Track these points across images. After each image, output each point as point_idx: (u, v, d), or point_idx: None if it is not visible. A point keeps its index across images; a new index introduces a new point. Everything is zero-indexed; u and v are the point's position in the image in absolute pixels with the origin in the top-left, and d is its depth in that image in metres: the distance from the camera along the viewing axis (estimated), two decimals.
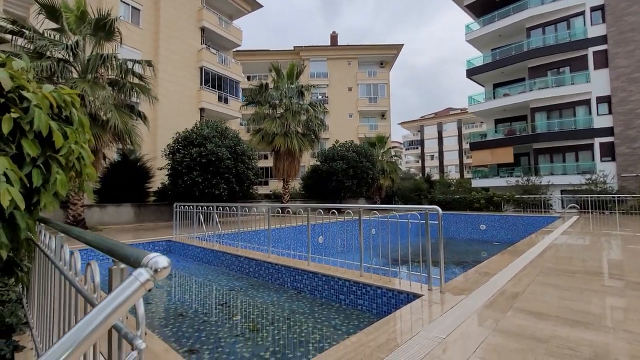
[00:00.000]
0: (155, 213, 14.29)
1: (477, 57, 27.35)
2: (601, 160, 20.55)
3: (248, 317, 4.55)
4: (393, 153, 27.77)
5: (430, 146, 59.95)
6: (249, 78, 34.84)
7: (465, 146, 49.22)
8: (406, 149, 65.62)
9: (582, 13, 21.84)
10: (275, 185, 26.22)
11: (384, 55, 34.78)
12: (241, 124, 30.89)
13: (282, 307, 4.69)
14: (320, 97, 33.68)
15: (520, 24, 23.89)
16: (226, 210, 7.80)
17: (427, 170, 54.66)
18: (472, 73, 26.62)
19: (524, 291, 3.73)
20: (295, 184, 24.44)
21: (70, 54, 9.93)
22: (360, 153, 19.10)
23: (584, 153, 21.46)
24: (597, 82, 20.96)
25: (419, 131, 62.16)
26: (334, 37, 37.29)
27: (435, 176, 40.91)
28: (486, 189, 21.80)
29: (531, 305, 3.26)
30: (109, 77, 10.97)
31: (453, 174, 53.20)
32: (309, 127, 17.74)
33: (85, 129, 2.20)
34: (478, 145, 26.19)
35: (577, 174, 20.46)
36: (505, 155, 23.82)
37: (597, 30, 21.21)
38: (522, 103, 23.36)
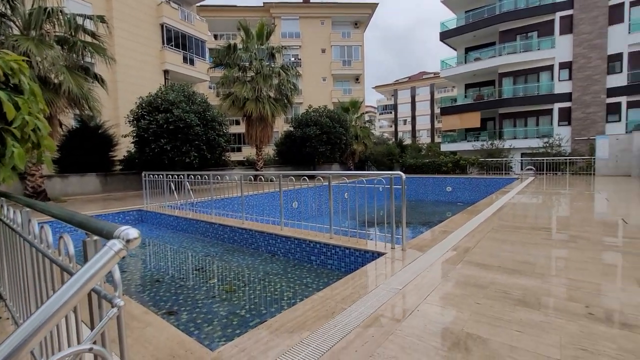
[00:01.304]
0: (123, 182, 13.82)
1: (451, 19, 27.09)
2: (558, 125, 21.87)
3: (224, 280, 4.77)
4: (367, 118, 27.90)
5: (404, 111, 60.49)
6: (215, 37, 32.61)
7: (437, 111, 50.14)
8: (380, 114, 65.86)
9: None
10: (248, 151, 25.78)
11: (359, 15, 33.51)
12: (210, 88, 29.40)
13: (256, 270, 4.94)
14: (292, 59, 32.42)
15: None
16: (198, 178, 7.74)
17: (400, 134, 55.62)
18: (446, 36, 26.51)
19: (475, 246, 4.17)
20: (269, 150, 24.20)
21: (8, 6, 8.81)
22: (333, 119, 19.03)
23: (544, 118, 22.67)
24: (561, 48, 21.67)
25: (392, 95, 62.17)
26: None
27: (408, 141, 41.86)
28: (454, 153, 22.75)
29: (479, 258, 3.69)
30: (57, 34, 9.93)
31: (424, 138, 54.58)
32: (282, 92, 17.27)
33: (38, 99, 2.12)
34: (448, 110, 26.84)
35: (537, 137, 21.75)
36: (473, 120, 24.68)
37: None
38: (492, 68, 23.84)
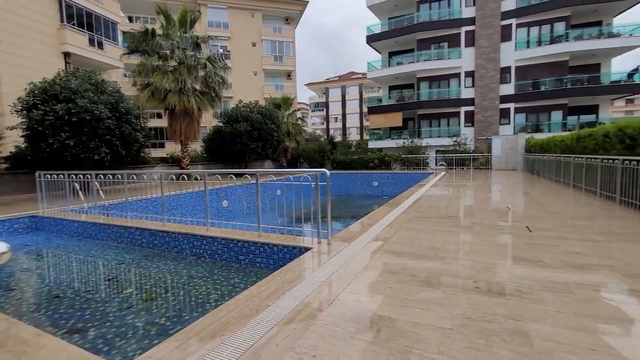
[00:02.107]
0: (10, 184, 11.60)
1: (376, 24, 28.82)
2: (465, 126, 25.04)
3: (141, 288, 4.38)
4: (299, 115, 28.12)
5: (335, 108, 62.50)
6: (130, 20, 29.28)
7: (365, 110, 53.06)
8: (312, 111, 66.97)
9: None
10: (173, 147, 23.82)
11: (289, 11, 33.44)
12: (125, 76, 26.30)
13: (179, 274, 4.65)
14: (221, 50, 30.90)
15: None
16: (109, 178, 6.92)
17: (331, 132, 57.37)
18: (371, 40, 28.09)
19: (392, 236, 4.58)
20: (197, 147, 22.78)
21: None
22: (265, 115, 18.75)
23: (453, 119, 25.71)
24: (466, 59, 24.78)
25: (324, 93, 63.71)
26: None
27: (339, 138, 43.48)
28: (380, 150, 24.41)
29: (395, 247, 4.06)
30: None
31: (354, 135, 57.29)
32: (209, 85, 16.36)
33: None
34: (374, 109, 28.59)
35: (448, 137, 24.55)
36: (396, 119, 26.74)
37: (469, 11, 24.58)
38: (411, 72, 26.09)
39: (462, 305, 2.43)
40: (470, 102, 24.84)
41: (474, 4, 24.35)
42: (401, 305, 2.47)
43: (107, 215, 7.08)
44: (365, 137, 49.76)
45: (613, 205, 6.38)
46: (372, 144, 27.57)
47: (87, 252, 6.00)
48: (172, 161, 19.26)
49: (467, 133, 24.41)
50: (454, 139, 23.26)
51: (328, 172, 4.24)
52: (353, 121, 61.03)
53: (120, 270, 5.07)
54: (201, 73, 16.31)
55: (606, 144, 7.35)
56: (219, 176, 5.59)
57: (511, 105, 23.86)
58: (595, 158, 7.52)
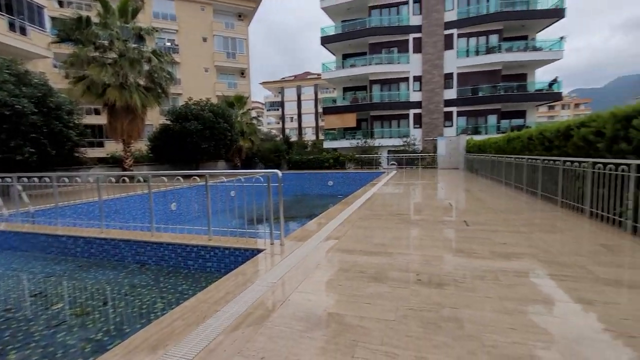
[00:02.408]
0: None
1: (330, 26, 29.28)
2: (413, 127, 26.51)
3: (74, 302, 3.99)
4: (254, 114, 27.56)
5: (291, 108, 62.30)
6: (61, 4, 26.35)
7: (321, 110, 53.66)
8: (268, 110, 66.08)
9: (407, 3, 26.24)
10: (114, 147, 21.89)
11: (242, 7, 32.58)
12: (56, 67, 23.59)
13: (120, 284, 4.32)
14: (168, 44, 29.17)
15: (364, 1, 26.68)
16: (34, 181, 6.18)
17: (287, 131, 57.09)
18: (326, 41, 28.49)
19: (344, 234, 4.70)
20: (142, 146, 21.24)
21: None
22: (217, 113, 18.08)
23: (403, 121, 27.08)
24: (414, 64, 26.24)
25: (279, 92, 63.19)
26: None
27: (295, 138, 43.42)
28: (335, 150, 24.84)
29: (346, 244, 4.18)
30: None
31: (310, 135, 57.64)
32: (154, 80, 15.34)
33: None
34: (329, 110, 29.04)
35: (399, 137, 25.80)
36: (350, 120, 27.44)
37: (416, 20, 26.06)
38: (364, 75, 26.95)
39: (406, 297, 2.58)
40: (418, 105, 26.35)
41: (420, 13, 25.87)
42: (350, 301, 2.55)
43: (33, 223, 6.32)
44: (321, 137, 50.36)
45: (535, 200, 7.22)
46: (327, 144, 27.98)
47: (7, 266, 5.30)
48: (113, 162, 17.73)
49: (416, 134, 25.87)
50: (404, 139, 24.51)
51: (280, 173, 4.23)
52: (309, 121, 61.37)
53: (49, 283, 4.56)
54: (146, 67, 15.25)
55: (530, 145, 8.29)
56: (165, 178, 5.28)
57: (454, 109, 25.77)
58: (522, 158, 8.44)
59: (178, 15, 29.64)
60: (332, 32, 28.59)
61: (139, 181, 8.07)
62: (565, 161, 5.97)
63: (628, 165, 4.22)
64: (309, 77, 62.21)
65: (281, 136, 42.94)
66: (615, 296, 2.51)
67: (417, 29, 25.93)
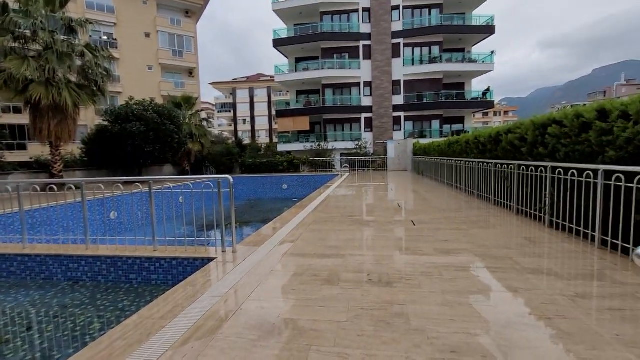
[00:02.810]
0: None
1: (283, 29, 29.22)
2: (365, 131, 27.48)
3: None
4: (204, 115, 26.40)
5: (243, 110, 60.83)
6: None
7: (274, 112, 53.16)
8: (219, 112, 63.78)
9: (357, 11, 27.21)
10: (39, 150, 19.41)
11: (189, 4, 31.10)
12: None
13: (48, 306, 3.85)
14: (105, 38, 26.79)
15: (315, 7, 27.09)
16: None
17: (239, 134, 55.64)
18: (278, 44, 28.37)
19: (298, 238, 4.72)
20: (74, 149, 19.18)
21: None
22: (163, 114, 16.98)
23: (355, 124, 27.95)
24: (365, 70, 27.26)
25: (231, 94, 61.37)
26: None
27: (248, 141, 42.43)
28: (289, 153, 24.78)
29: (300, 248, 4.20)
30: None
31: (263, 138, 56.80)
32: (88, 77, 13.96)
33: None
34: (283, 113, 28.93)
35: (351, 140, 26.56)
36: (304, 123, 27.61)
37: (366, 27, 27.12)
38: (317, 79, 27.32)
39: (357, 298, 2.67)
40: (369, 109, 27.39)
41: (370, 22, 26.99)
42: (303, 305, 2.57)
43: None
44: (275, 140, 49.90)
45: (473, 199, 7.92)
46: (282, 147, 27.82)
47: None
48: (38, 167, 15.74)
49: (367, 137, 26.84)
50: (356, 142, 25.29)
51: (231, 179, 4.12)
52: (262, 124, 60.47)
53: None
54: (78, 62, 13.82)
55: (468, 149, 9.08)
56: (102, 185, 4.83)
57: (402, 114, 27.24)
58: (461, 160, 9.21)
59: (116, 7, 27.39)
60: (284, 35, 28.57)
61: (70, 189, 7.28)
62: (496, 164, 6.64)
63: (545, 167, 4.83)
64: (262, 79, 61.37)
65: (233, 139, 41.72)
66: (537, 283, 2.85)
67: (367, 36, 26.99)
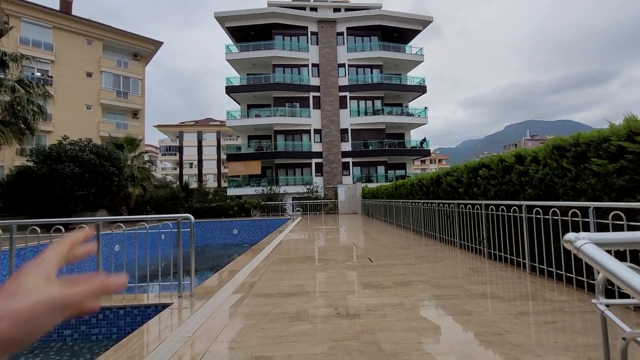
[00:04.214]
0: None
1: (236, 77, 30.24)
2: (315, 175, 28.32)
3: None
4: (147, 158, 25.09)
5: (190, 154, 59.01)
6: None
7: (224, 157, 52.42)
8: (163, 155, 60.99)
9: (307, 66, 29.52)
10: None
11: (140, 48, 30.95)
12: None
13: None
14: (38, 74, 25.00)
15: (268, 59, 28.81)
16: None
17: (185, 178, 53.24)
18: (231, 90, 29.09)
19: (259, 280, 4.60)
20: None
21: None
22: (102, 155, 15.85)
23: (306, 169, 28.74)
24: (315, 118, 28.89)
25: (178, 137, 59.58)
26: (67, 3, 28.95)
27: (194, 184, 40.71)
28: (240, 197, 24.26)
29: (263, 289, 4.10)
30: None
31: (211, 182, 54.98)
32: (16, 113, 12.75)
33: None
34: (233, 157, 28.76)
35: (302, 184, 27.05)
36: (255, 167, 27.63)
37: (315, 80, 29.32)
38: (269, 125, 28.12)
39: (329, 330, 2.70)
40: (319, 155, 28.57)
41: (319, 76, 29.32)
42: (275, 342, 2.52)
43: None
44: (224, 184, 48.58)
45: (420, 237, 8.50)
46: (232, 191, 27.18)
47: None
48: None
49: (318, 182, 27.62)
50: (308, 187, 25.81)
51: (193, 218, 4.01)
52: (210, 168, 58.93)
53: None
54: (6, 98, 12.65)
55: (413, 191, 9.92)
56: (38, 228, 4.30)
57: (350, 160, 28.84)
58: (407, 202, 9.97)
59: (56, 45, 26.12)
60: (237, 83, 29.50)
61: None
62: (438, 203, 7.36)
63: (480, 204, 5.52)
64: (211, 123, 61.10)
65: (178, 183, 39.75)
66: (486, 305, 3.16)
67: (317, 88, 29.09)
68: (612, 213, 2.96)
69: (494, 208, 5.08)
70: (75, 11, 29.82)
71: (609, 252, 0.84)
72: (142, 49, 31.21)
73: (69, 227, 4.31)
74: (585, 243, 0.86)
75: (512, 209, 4.57)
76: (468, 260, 5.41)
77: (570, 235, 0.90)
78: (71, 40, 27.04)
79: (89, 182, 14.93)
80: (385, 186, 14.70)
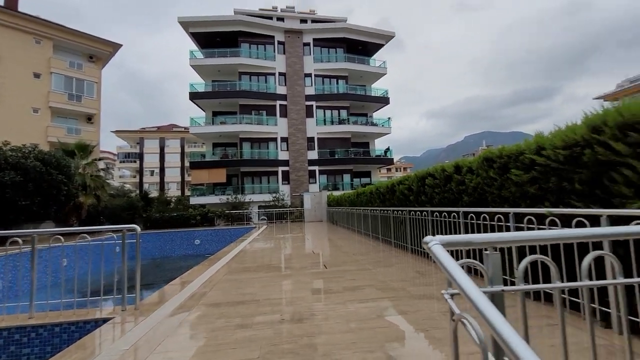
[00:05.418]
0: None
1: (200, 83, 29.61)
2: (282, 184, 28.27)
3: None
4: (102, 165, 23.67)
5: (151, 161, 56.43)
6: None
7: (188, 164, 50.68)
8: (121, 162, 57.72)
9: (274, 74, 29.64)
10: None
11: (96, 50, 29.36)
12: None
13: None
14: None
15: (234, 66, 28.58)
16: None
17: (145, 186, 50.71)
18: (195, 97, 28.41)
19: (211, 289, 4.56)
20: None
21: None
22: (49, 162, 14.73)
23: (273, 177, 28.61)
24: (281, 127, 28.96)
25: (138, 143, 56.79)
26: None
27: (155, 193, 38.91)
28: (203, 206, 23.54)
29: (213, 298, 4.08)
30: None
31: (174, 191, 52.83)
32: None
33: None
34: (197, 164, 27.97)
35: (269, 193, 26.86)
36: (220, 175, 27.05)
37: (282, 89, 29.48)
38: (234, 132, 27.75)
39: (269, 336, 2.78)
40: (286, 163, 28.59)
41: (285, 84, 29.53)
42: (215, 350, 2.55)
43: None
44: (188, 192, 46.85)
45: (378, 243, 8.82)
46: (195, 200, 26.35)
47: None
48: None
49: (285, 190, 27.58)
50: (274, 195, 25.68)
51: (139, 229, 3.92)
52: (173, 175, 56.69)
53: None
54: None
55: (372, 198, 10.28)
56: None
57: (316, 168, 29.14)
58: (367, 209, 10.31)
59: None
60: (202, 89, 28.90)
61: None
62: (393, 210, 7.71)
63: (427, 211, 5.90)
64: (174, 129, 59.04)
65: (138, 191, 37.78)
66: (421, 306, 3.41)
67: (283, 97, 29.25)
68: (526, 218, 3.34)
69: (437, 214, 5.46)
70: (23, 8, 27.80)
71: (455, 251, 1.03)
72: (99, 51, 29.64)
73: (3, 240, 4.04)
74: (435, 244, 1.05)
75: (452, 215, 4.95)
76: (417, 264, 5.73)
77: (427, 238, 1.09)
78: (17, 38, 25.08)
79: (33, 191, 13.80)
80: (349, 194, 15.05)
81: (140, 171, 55.83)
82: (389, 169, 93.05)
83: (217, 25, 28.37)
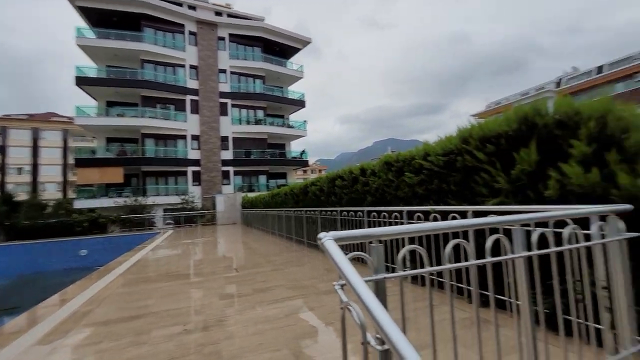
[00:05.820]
0: None
1: (91, 67, 25.33)
2: (192, 185, 26.27)
3: None
4: None
5: (20, 156, 45.86)
6: None
7: (73, 161, 42.80)
8: None
9: (184, 66, 27.36)
10: None
11: None
12: None
13: None
14: None
15: (136, 53, 25.34)
16: None
17: (11, 186, 40.97)
18: (84, 82, 24.17)
19: (100, 304, 3.96)
20: None
21: None
22: None
23: (181, 178, 26.34)
24: (192, 123, 26.90)
25: (0, 134, 45.50)
26: None
27: (26, 195, 31.70)
28: (92, 210, 20.15)
29: (100, 316, 3.54)
30: None
31: (53, 192, 44.03)
32: None
33: None
34: (86, 162, 23.84)
35: (176, 195, 24.63)
36: (116, 175, 23.62)
37: (193, 83, 27.40)
38: (135, 127, 24.57)
39: (169, 350, 2.55)
40: (197, 162, 26.67)
41: (197, 79, 27.57)
42: None
43: None
44: (72, 194, 39.53)
45: (292, 243, 8.95)
46: (81, 203, 22.42)
47: None
48: None
49: (195, 191, 25.68)
50: (182, 197, 23.68)
51: None
52: (52, 175, 47.25)
53: None
54: None
55: (286, 199, 10.38)
56: None
57: (231, 169, 27.98)
58: (281, 210, 10.36)
59: None
60: (93, 74, 24.77)
61: None
62: (306, 210, 7.94)
63: (336, 210, 6.25)
64: (54, 119, 49.29)
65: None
66: (327, 301, 3.59)
67: (195, 92, 27.25)
68: (416, 215, 3.85)
69: (346, 213, 5.84)
70: None
71: (346, 245, 1.12)
72: None
73: None
74: (327, 239, 1.13)
75: (357, 214, 5.35)
76: (326, 262, 6.00)
77: (321, 234, 1.17)
78: None
79: None
80: (263, 195, 14.88)
81: (2, 169, 44.81)
82: (304, 171, 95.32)
83: (112, 3, 24.73)
